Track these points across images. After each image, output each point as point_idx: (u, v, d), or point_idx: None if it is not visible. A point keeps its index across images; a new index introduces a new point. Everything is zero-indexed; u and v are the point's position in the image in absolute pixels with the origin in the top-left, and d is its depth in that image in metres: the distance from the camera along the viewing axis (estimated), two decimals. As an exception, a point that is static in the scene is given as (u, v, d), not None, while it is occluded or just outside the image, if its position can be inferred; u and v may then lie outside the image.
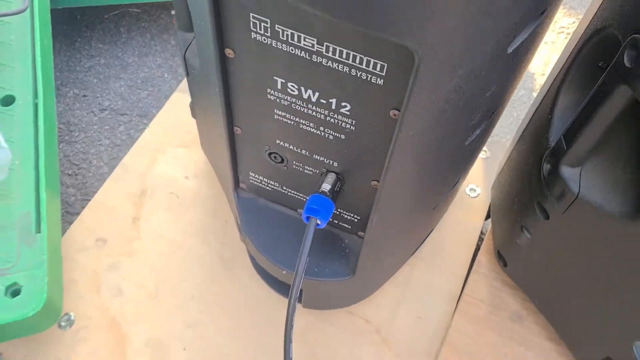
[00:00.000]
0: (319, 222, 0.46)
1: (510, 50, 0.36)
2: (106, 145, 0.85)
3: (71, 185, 0.81)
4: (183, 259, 0.66)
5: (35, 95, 0.66)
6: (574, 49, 0.50)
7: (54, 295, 0.54)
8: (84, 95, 0.90)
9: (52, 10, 0.77)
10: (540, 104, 0.55)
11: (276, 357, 0.60)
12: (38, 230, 0.57)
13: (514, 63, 0.39)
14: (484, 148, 0.77)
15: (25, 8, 0.68)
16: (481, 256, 0.67)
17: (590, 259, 0.50)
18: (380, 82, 0.36)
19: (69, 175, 0.82)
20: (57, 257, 0.58)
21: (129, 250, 0.66)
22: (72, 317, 0.61)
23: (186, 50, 0.54)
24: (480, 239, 0.70)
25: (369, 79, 0.37)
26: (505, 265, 0.63)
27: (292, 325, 0.47)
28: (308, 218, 0.46)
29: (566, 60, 0.51)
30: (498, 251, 0.63)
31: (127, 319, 0.62)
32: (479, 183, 0.74)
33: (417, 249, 0.65)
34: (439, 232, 0.69)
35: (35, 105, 0.65)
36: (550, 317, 0.60)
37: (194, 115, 0.64)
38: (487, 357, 0.60)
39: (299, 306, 0.61)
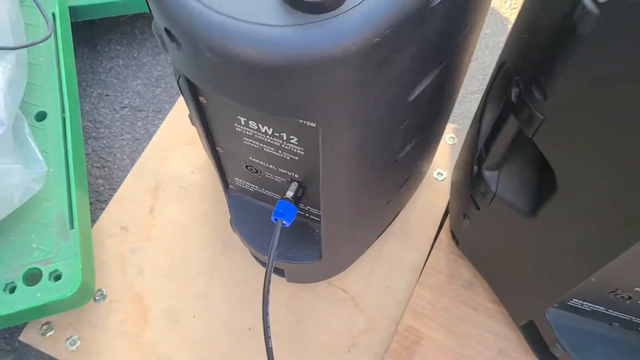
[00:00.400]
0: (284, 222, 0.58)
1: (410, 99, 0.46)
2: (127, 140, 0.99)
3: (100, 176, 0.95)
4: (191, 242, 0.79)
5: (63, 110, 0.79)
6: (495, 67, 0.59)
7: (87, 278, 0.69)
8: (107, 95, 1.03)
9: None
10: (476, 111, 0.65)
11: (271, 322, 0.74)
12: (72, 226, 0.71)
13: (419, 105, 0.49)
14: (452, 135, 0.87)
15: (50, 34, 0.80)
16: (442, 234, 0.78)
17: (510, 243, 0.61)
18: (312, 124, 0.48)
19: (98, 168, 0.96)
20: (88, 246, 0.72)
21: (147, 236, 0.80)
22: (105, 293, 0.76)
23: (179, 79, 0.66)
24: (444, 218, 0.81)
25: (304, 122, 0.48)
26: (457, 243, 0.74)
27: (268, 302, 0.60)
28: (276, 219, 0.58)
29: (492, 76, 0.61)
30: (452, 231, 0.75)
31: (148, 293, 0.76)
32: (445, 168, 0.84)
33: (384, 231, 0.77)
34: (408, 212, 0.81)
35: (63, 119, 0.78)
36: (492, 284, 0.72)
37: (193, 124, 0.76)
38: (441, 318, 0.73)
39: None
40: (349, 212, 0.58)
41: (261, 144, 0.55)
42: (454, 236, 0.75)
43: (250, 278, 0.76)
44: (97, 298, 0.75)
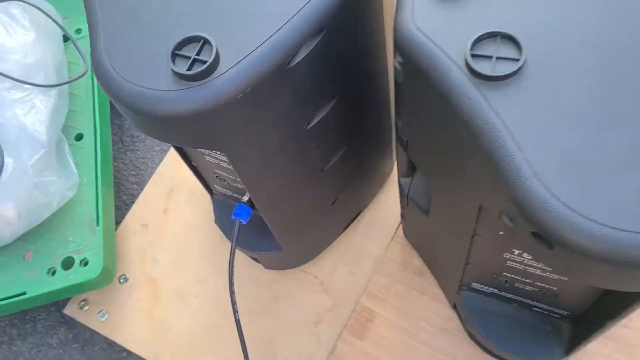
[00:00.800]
0: (242, 221, 0.74)
1: (308, 127, 0.61)
2: (157, 151, 1.18)
3: (135, 182, 1.15)
4: (196, 237, 0.97)
5: (95, 131, 0.99)
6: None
7: (108, 264, 0.88)
8: (142, 114, 1.23)
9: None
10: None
11: (254, 301, 0.90)
12: (97, 224, 0.90)
13: (325, 128, 0.63)
14: (418, 143, 0.99)
15: (86, 71, 1.00)
16: (400, 229, 0.91)
17: (426, 236, 0.74)
18: (240, 148, 0.63)
19: (133, 175, 1.16)
20: (110, 240, 0.92)
21: (163, 232, 0.99)
22: (127, 277, 0.95)
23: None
24: (406, 215, 0.94)
25: (234, 146, 0.63)
26: (405, 236, 0.87)
27: (233, 283, 0.76)
28: (235, 218, 0.74)
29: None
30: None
31: (161, 278, 0.95)
32: (409, 171, 0.96)
33: (348, 226, 0.91)
34: (375, 209, 0.94)
35: (95, 139, 0.98)
36: (432, 270, 0.84)
37: (191, 141, 0.93)
38: (393, 301, 0.86)
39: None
40: (284, 212, 0.73)
41: (217, 160, 0.71)
42: (404, 230, 0.88)
43: (241, 266, 0.93)
44: (121, 281, 0.95)
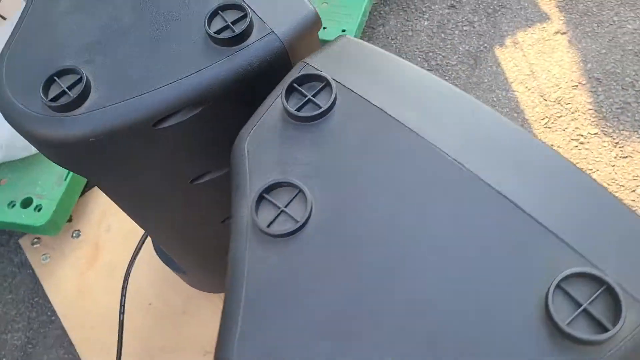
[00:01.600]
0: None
1: (195, 183, 0.60)
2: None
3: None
4: (151, 222, 1.00)
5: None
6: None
7: (57, 218, 0.94)
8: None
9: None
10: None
11: (166, 306, 0.92)
12: (65, 179, 0.96)
13: (216, 188, 0.62)
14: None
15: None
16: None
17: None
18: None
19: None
20: (72, 197, 0.97)
21: (128, 206, 1.03)
22: (80, 233, 1.01)
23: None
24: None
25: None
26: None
27: (126, 287, 0.78)
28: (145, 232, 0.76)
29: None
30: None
31: (104, 245, 0.99)
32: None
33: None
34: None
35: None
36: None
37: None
38: None
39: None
40: (180, 249, 0.74)
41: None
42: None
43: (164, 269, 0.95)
44: (74, 235, 1.01)
